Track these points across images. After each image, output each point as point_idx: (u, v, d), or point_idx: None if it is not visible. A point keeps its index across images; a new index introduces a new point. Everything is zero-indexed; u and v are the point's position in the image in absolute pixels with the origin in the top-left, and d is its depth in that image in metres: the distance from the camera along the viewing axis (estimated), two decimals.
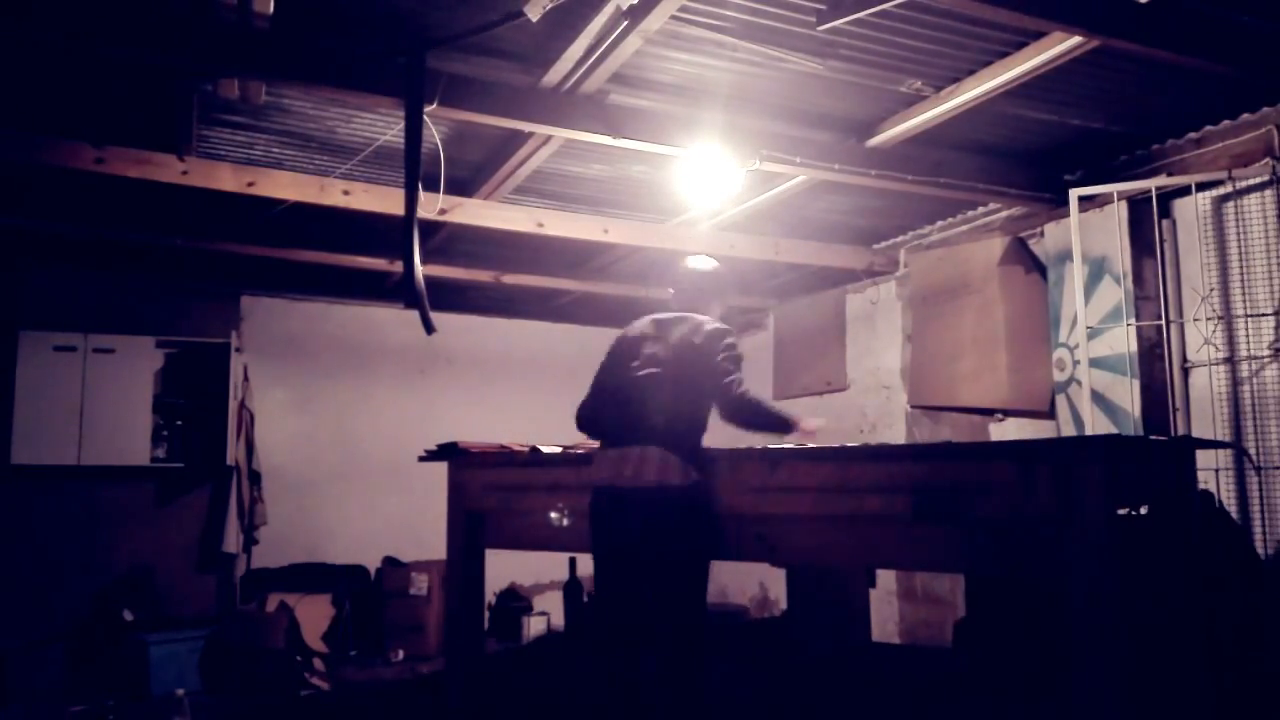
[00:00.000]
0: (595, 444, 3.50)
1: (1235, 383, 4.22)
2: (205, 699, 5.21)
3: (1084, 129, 4.45)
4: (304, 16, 3.34)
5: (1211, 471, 4.02)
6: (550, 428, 5.44)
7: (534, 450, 3.64)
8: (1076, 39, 3.41)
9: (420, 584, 6.33)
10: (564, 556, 4.59)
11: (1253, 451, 4.07)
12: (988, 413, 5.47)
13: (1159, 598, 2.83)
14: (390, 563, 6.64)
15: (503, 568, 6.60)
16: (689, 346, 3.16)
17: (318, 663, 5.75)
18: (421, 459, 3.90)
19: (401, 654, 6.19)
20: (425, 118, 3.62)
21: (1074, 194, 4.55)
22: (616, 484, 3.04)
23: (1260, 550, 3.98)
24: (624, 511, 3.03)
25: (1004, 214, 5.44)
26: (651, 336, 3.26)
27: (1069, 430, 4.70)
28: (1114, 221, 4.52)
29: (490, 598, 6.84)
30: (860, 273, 6.38)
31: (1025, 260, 5.26)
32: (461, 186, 4.95)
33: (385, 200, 4.81)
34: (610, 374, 3.31)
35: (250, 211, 5.14)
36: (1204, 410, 4.30)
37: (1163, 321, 4.43)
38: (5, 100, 3.96)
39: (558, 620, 6.51)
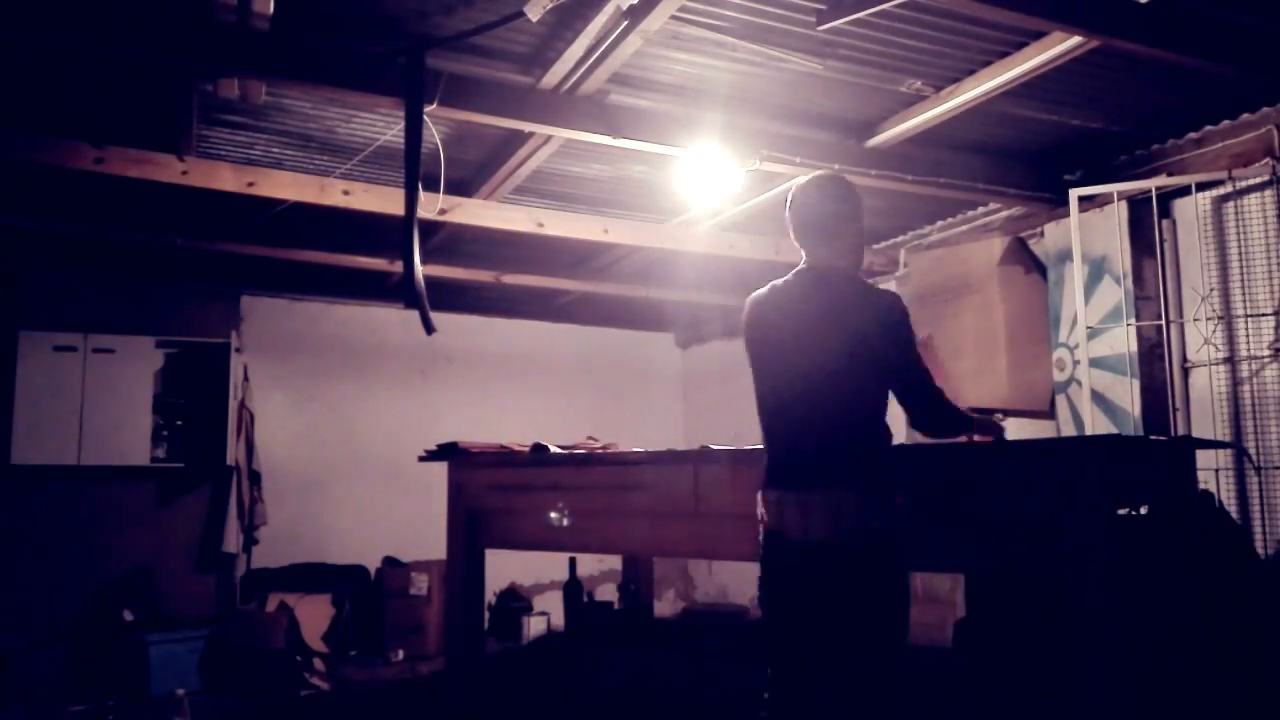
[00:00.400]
0: (594, 443, 3.50)
1: (1235, 383, 4.22)
2: (205, 699, 5.20)
3: (1084, 129, 4.45)
4: (304, 17, 3.34)
5: (1211, 471, 4.02)
6: (550, 428, 5.44)
7: (536, 449, 3.64)
8: (1076, 39, 3.41)
9: (420, 584, 6.33)
10: (564, 556, 4.58)
11: (1253, 451, 4.07)
12: (988, 413, 5.46)
13: (1159, 598, 2.83)
14: (390, 563, 6.64)
15: (503, 568, 6.60)
16: (853, 327, 2.45)
17: (318, 663, 5.75)
18: (421, 459, 3.90)
19: (401, 654, 6.18)
20: (425, 118, 3.62)
21: (1074, 194, 4.55)
22: (799, 537, 2.40)
23: (1260, 550, 3.98)
24: (805, 567, 2.41)
25: (1004, 214, 5.44)
26: (796, 314, 2.52)
27: (1069, 430, 4.70)
28: (1114, 221, 4.52)
29: (490, 598, 6.83)
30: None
31: (1025, 260, 5.26)
32: (461, 186, 4.95)
33: (385, 200, 4.81)
34: (758, 372, 2.59)
35: (250, 211, 5.14)
36: (1204, 410, 4.30)
37: (1163, 321, 4.43)
38: (5, 100, 3.96)
39: (558, 620, 6.50)
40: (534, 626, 6.75)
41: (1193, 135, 4.43)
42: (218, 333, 6.43)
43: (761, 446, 2.60)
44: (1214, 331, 4.26)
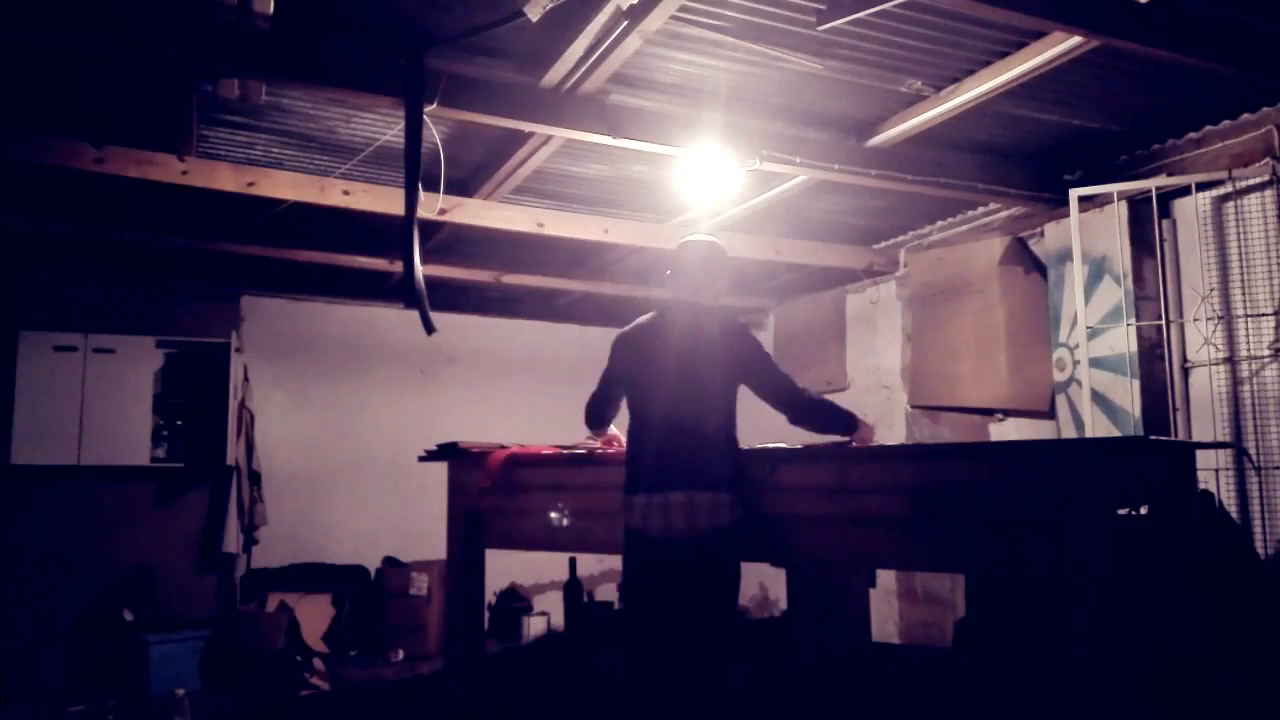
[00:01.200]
0: (596, 442, 3.51)
1: (1235, 383, 4.22)
2: (205, 699, 5.21)
3: (1084, 129, 4.45)
4: (304, 16, 3.34)
5: (1211, 471, 4.02)
6: (550, 428, 5.44)
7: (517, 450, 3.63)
8: (1076, 39, 3.41)
9: (420, 584, 6.33)
10: (564, 556, 4.58)
11: (1253, 451, 4.07)
12: (988, 413, 5.47)
13: (1159, 597, 2.83)
14: (390, 563, 6.64)
15: (503, 568, 6.60)
16: (722, 348, 2.99)
17: (318, 663, 5.75)
18: (421, 459, 3.90)
19: (401, 654, 6.19)
20: (425, 118, 3.62)
21: (1074, 194, 4.55)
22: (668, 534, 2.87)
23: (1260, 550, 3.98)
24: (671, 561, 2.89)
25: (1004, 214, 5.44)
26: (672, 337, 3.03)
27: (1069, 430, 4.70)
28: (1114, 221, 4.52)
29: (490, 598, 6.83)
30: (860, 273, 6.38)
31: (1025, 260, 5.26)
32: (461, 186, 4.95)
33: (385, 200, 4.81)
34: (631, 385, 3.12)
35: (250, 211, 5.14)
36: (1204, 410, 4.30)
37: (1163, 321, 4.43)
38: (5, 100, 3.96)
39: (558, 620, 6.50)
40: (534, 626, 6.75)
41: (1193, 135, 4.43)
42: (218, 333, 6.43)
43: (766, 446, 2.67)
44: (1214, 331, 4.26)
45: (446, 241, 5.90)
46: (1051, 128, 4.44)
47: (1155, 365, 4.42)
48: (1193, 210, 4.40)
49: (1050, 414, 4.97)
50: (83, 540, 6.00)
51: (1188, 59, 3.44)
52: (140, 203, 5.04)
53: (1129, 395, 4.36)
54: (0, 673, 5.29)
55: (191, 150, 4.37)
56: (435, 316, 3.75)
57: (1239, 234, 4.22)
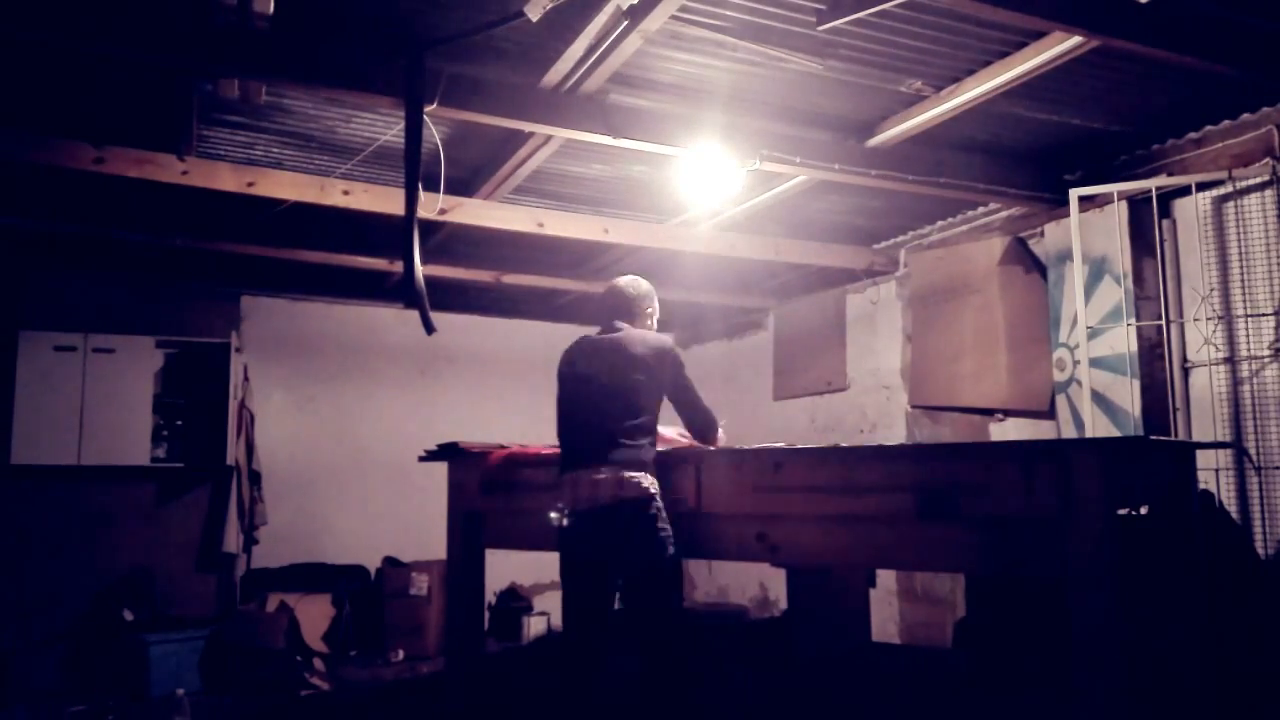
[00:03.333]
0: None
1: (1235, 383, 4.22)
2: (205, 699, 5.21)
3: (1084, 129, 4.45)
4: (304, 16, 3.34)
5: (1211, 471, 4.02)
6: (550, 428, 5.43)
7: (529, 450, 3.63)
8: (1076, 39, 3.41)
9: (420, 584, 6.33)
10: None
11: (1253, 451, 4.07)
12: (988, 413, 5.47)
13: (1159, 597, 2.83)
14: (390, 563, 6.64)
15: (503, 568, 6.61)
16: (634, 357, 3.26)
17: (318, 663, 5.76)
18: (421, 459, 3.90)
19: (401, 654, 6.19)
20: (425, 118, 3.62)
21: (1074, 194, 4.55)
22: (578, 507, 3.16)
23: (1260, 550, 3.98)
24: (589, 530, 3.15)
25: (1004, 214, 5.44)
26: (589, 353, 3.43)
27: (1069, 430, 4.70)
28: (1114, 221, 4.52)
29: (490, 598, 6.84)
30: (860, 273, 6.38)
31: (1025, 260, 5.26)
32: (461, 186, 4.95)
33: (385, 200, 4.81)
34: (561, 394, 3.51)
35: (250, 211, 5.14)
36: (1204, 410, 4.30)
37: (1163, 321, 4.43)
38: (5, 100, 3.96)
39: (558, 620, 6.51)
40: (534, 626, 6.76)
41: (1193, 135, 4.43)
42: (218, 333, 6.44)
43: (764, 446, 2.63)
44: (1214, 331, 4.26)
45: (446, 241, 5.90)
46: (1052, 128, 4.44)
47: (1155, 365, 4.42)
48: (1193, 210, 4.40)
49: (1050, 414, 4.97)
50: (83, 540, 6.01)
51: (1188, 59, 3.44)
52: (140, 203, 5.04)
53: (1129, 395, 4.36)
54: (0, 673, 5.29)
55: (191, 150, 4.37)
56: (435, 316, 3.75)
57: (1239, 234, 4.22)
